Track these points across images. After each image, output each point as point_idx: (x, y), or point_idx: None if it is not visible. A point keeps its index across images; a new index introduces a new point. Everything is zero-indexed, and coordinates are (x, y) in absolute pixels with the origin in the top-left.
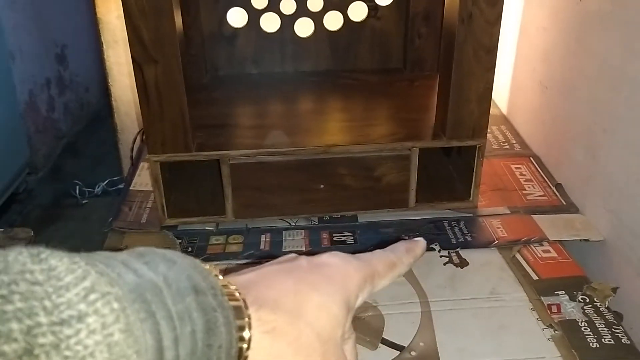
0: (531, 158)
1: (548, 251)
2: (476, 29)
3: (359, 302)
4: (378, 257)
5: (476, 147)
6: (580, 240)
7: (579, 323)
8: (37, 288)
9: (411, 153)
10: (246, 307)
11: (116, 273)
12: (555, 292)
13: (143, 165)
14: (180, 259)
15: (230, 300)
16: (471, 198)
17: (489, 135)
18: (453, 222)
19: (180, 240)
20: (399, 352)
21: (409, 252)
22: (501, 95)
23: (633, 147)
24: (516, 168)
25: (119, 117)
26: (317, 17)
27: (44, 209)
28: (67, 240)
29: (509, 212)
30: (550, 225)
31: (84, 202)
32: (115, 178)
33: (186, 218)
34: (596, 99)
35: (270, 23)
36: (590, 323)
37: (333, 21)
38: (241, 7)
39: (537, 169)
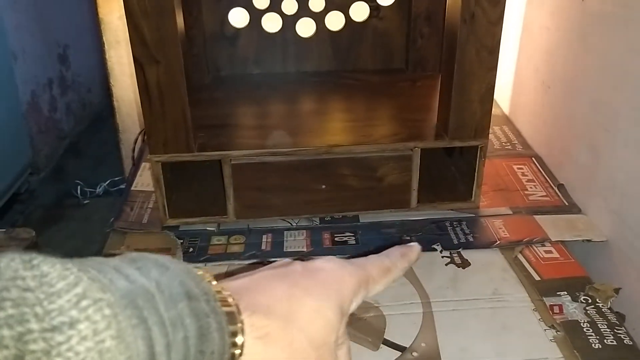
0: (533, 158)
1: (550, 252)
2: (478, 28)
3: (353, 307)
4: (372, 262)
5: (478, 148)
6: (583, 240)
7: (581, 324)
8: (28, 294)
9: (413, 153)
10: (239, 313)
11: (108, 279)
12: (558, 293)
13: (144, 166)
14: (173, 265)
15: (223, 305)
16: (473, 198)
17: (490, 136)
18: (455, 223)
19: (181, 241)
20: (400, 353)
21: (404, 257)
22: (503, 95)
23: (636, 147)
24: (518, 168)
25: (121, 117)
26: (319, 17)
27: (46, 209)
28: (68, 241)
29: (511, 213)
30: (553, 226)
31: (85, 202)
32: (116, 178)
33: (188, 218)
34: (599, 99)
35: (271, 23)
36: (593, 324)
37: (335, 21)
38: (243, 7)
39: (539, 169)
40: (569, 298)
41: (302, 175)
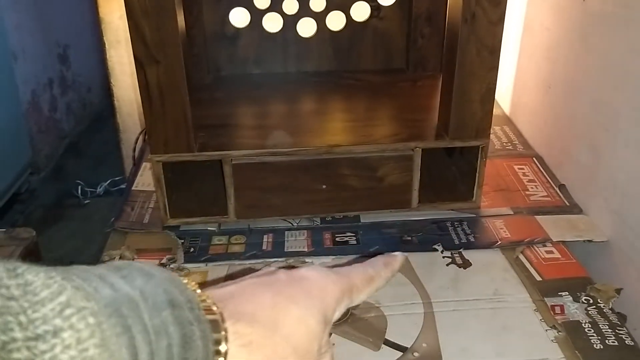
0: (534, 158)
1: (551, 252)
2: (479, 29)
3: (337, 315)
4: (356, 271)
5: (479, 148)
6: (584, 241)
7: (583, 324)
8: (12, 303)
9: (414, 153)
10: (223, 321)
11: (93, 287)
12: (559, 293)
13: (145, 165)
14: (157, 273)
15: (207, 313)
16: (474, 198)
17: (491, 136)
18: (456, 223)
19: (182, 241)
20: (401, 353)
21: (387, 266)
22: (504, 95)
23: (636, 147)
24: (519, 168)
25: (121, 117)
26: (320, 17)
27: (46, 209)
28: (69, 240)
29: (512, 213)
30: (554, 226)
31: (86, 202)
32: (117, 178)
33: (188, 218)
34: (599, 99)
35: (272, 23)
36: (594, 324)
37: (335, 21)
38: (244, 7)
39: (540, 170)
40: (570, 298)
41: (302, 175)
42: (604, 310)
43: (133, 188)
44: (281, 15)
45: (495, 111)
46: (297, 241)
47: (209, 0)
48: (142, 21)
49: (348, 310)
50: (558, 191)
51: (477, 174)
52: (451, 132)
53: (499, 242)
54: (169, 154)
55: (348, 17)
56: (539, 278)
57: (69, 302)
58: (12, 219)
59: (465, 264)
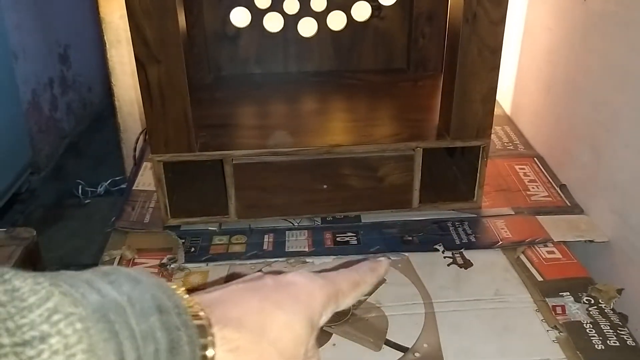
0: (535, 158)
1: (552, 252)
2: (481, 29)
3: (323, 320)
4: (342, 276)
5: (480, 148)
6: (585, 241)
7: (584, 324)
8: (0, 309)
9: (415, 153)
10: (210, 326)
11: (80, 293)
12: (560, 294)
13: (146, 165)
14: (145, 278)
15: (194, 319)
16: (475, 199)
17: (492, 136)
18: (457, 223)
19: (183, 241)
20: (402, 354)
21: (373, 271)
22: (505, 95)
23: (637, 148)
24: (520, 169)
25: (122, 116)
26: (321, 17)
27: (47, 209)
28: (69, 240)
29: (513, 213)
30: (555, 226)
31: (86, 201)
32: (117, 178)
33: (189, 218)
34: (600, 99)
35: (273, 23)
36: (595, 325)
37: (336, 21)
38: (244, 6)
39: (541, 170)
40: (572, 299)
41: (303, 175)
42: (605, 310)
43: (134, 188)
44: (282, 15)
45: (496, 111)
46: (297, 241)
47: (209, 0)
48: (143, 21)
49: (349, 310)
50: (559, 191)
51: (478, 174)
52: (452, 132)
53: (500, 242)
54: (170, 154)
55: (349, 17)
56: (540, 278)
57: (57, 308)
58: (12, 218)
59: (466, 264)
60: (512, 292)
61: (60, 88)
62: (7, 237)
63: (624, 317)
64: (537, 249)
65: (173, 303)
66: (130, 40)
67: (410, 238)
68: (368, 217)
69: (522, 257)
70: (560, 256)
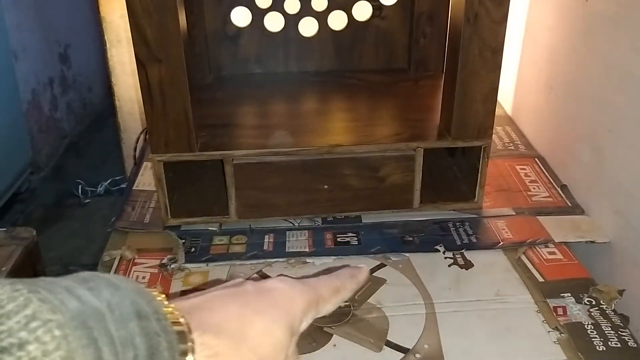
0: (536, 159)
1: (553, 253)
2: (482, 29)
3: (303, 326)
4: (323, 283)
5: (481, 148)
6: (586, 242)
7: (585, 326)
8: None
9: (416, 153)
10: (190, 332)
11: (59, 300)
12: (561, 294)
13: (146, 165)
14: (124, 284)
15: (174, 325)
16: (476, 199)
17: (493, 136)
18: (458, 223)
19: (183, 241)
20: (403, 354)
21: (353, 278)
22: (506, 95)
23: (639, 148)
24: (521, 169)
25: (122, 116)
26: (322, 17)
27: (47, 209)
28: (69, 240)
29: (513, 213)
30: (556, 227)
31: (86, 201)
32: (117, 177)
33: (189, 218)
34: (602, 100)
35: (274, 22)
36: (597, 326)
37: (337, 21)
38: (245, 6)
39: (542, 170)
40: (573, 300)
41: (304, 175)
42: (607, 311)
43: (134, 188)
44: (283, 15)
45: (497, 111)
46: (298, 241)
47: (210, 0)
48: (143, 20)
49: (349, 311)
50: (560, 192)
51: (479, 175)
52: (453, 132)
53: (501, 243)
54: (170, 154)
55: (350, 16)
56: (541, 279)
57: (35, 315)
58: (12, 218)
59: (467, 265)
60: (513, 292)
61: (61, 88)
62: (7, 236)
63: (625, 318)
64: (538, 249)
65: (152, 309)
66: (131, 40)
67: (411, 238)
68: (369, 218)
69: (523, 257)
70: (562, 257)
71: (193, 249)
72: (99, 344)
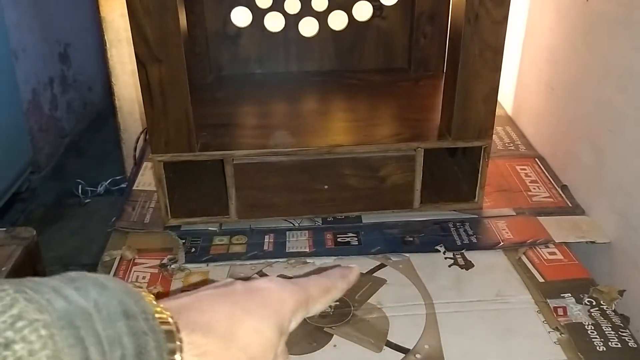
0: (536, 159)
1: (554, 253)
2: (483, 29)
3: (293, 326)
4: (313, 282)
5: (482, 148)
6: (587, 242)
7: (586, 326)
8: None
9: (416, 153)
10: (178, 331)
11: (46, 299)
12: (562, 295)
13: (146, 165)
14: (112, 284)
15: (162, 324)
16: (476, 199)
17: (494, 136)
18: (458, 224)
19: (183, 241)
20: (403, 355)
21: (344, 278)
22: (506, 96)
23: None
24: (521, 169)
25: (122, 116)
26: (322, 17)
27: (47, 208)
28: (69, 240)
29: (514, 214)
30: (556, 227)
31: (86, 201)
32: (117, 177)
33: (189, 218)
34: (602, 100)
35: (274, 22)
36: (597, 326)
37: (338, 21)
38: (245, 6)
39: (542, 170)
40: (573, 300)
41: (304, 176)
42: (607, 312)
43: (134, 188)
44: (283, 15)
45: (497, 112)
46: (298, 241)
47: (210, 0)
48: (143, 20)
49: (350, 311)
50: (560, 192)
51: (479, 175)
52: (454, 132)
53: (502, 243)
54: (170, 154)
55: (350, 16)
56: (541, 279)
57: (21, 315)
58: (12, 218)
59: (468, 265)
60: (513, 293)
61: (61, 87)
62: (7, 236)
63: (625, 319)
64: (539, 250)
65: (140, 308)
66: (131, 40)
67: (411, 239)
68: (369, 218)
69: (524, 258)
70: (562, 257)
71: (193, 249)
72: (85, 344)
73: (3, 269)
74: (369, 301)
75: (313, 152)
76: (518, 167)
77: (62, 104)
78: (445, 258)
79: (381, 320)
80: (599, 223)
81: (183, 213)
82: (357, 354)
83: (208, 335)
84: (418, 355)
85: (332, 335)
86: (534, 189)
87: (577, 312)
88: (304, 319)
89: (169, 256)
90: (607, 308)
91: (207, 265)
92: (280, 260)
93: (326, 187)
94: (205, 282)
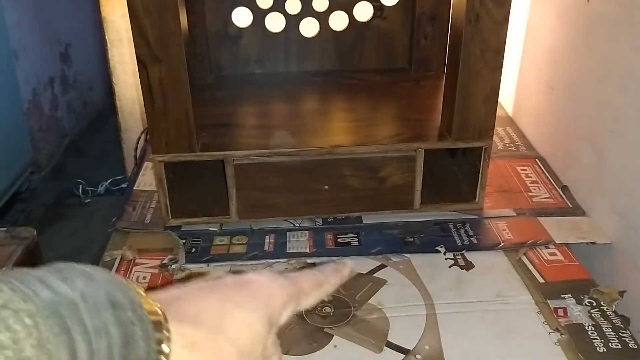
0: (537, 160)
1: (554, 254)
2: (483, 29)
3: (283, 319)
4: (305, 276)
5: (482, 149)
6: (587, 243)
7: (586, 327)
8: None
9: (416, 154)
10: (166, 321)
11: (31, 289)
12: (562, 296)
13: (147, 165)
14: (99, 275)
15: (150, 314)
16: (477, 200)
17: (494, 137)
18: (458, 224)
19: (184, 241)
20: (404, 356)
21: (336, 272)
22: (507, 96)
23: None
24: (522, 170)
25: (123, 116)
26: (322, 17)
27: (47, 208)
28: (69, 240)
29: (514, 214)
30: (557, 228)
31: (86, 201)
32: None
33: (190, 218)
34: (603, 100)
35: (275, 23)
36: (597, 327)
37: (338, 21)
38: (246, 6)
39: (542, 171)
40: (574, 301)
41: (304, 176)
42: (607, 313)
43: (134, 188)
44: (284, 15)
45: (498, 112)
46: (299, 242)
47: (211, 0)
48: (144, 20)
49: (350, 311)
50: (561, 193)
51: (480, 175)
52: (454, 133)
53: (502, 244)
54: (171, 154)
55: (351, 17)
56: (541, 280)
57: (6, 304)
58: (13, 218)
59: (468, 266)
60: (513, 294)
61: (61, 87)
62: (8, 236)
63: (625, 320)
64: (539, 250)
65: (128, 299)
66: (132, 40)
67: (411, 239)
68: (369, 218)
69: (524, 258)
70: (562, 258)
71: (194, 249)
72: (71, 333)
73: (3, 269)
74: (369, 302)
75: (313, 153)
76: (518, 168)
77: (63, 103)
78: (446, 259)
79: (381, 320)
80: (599, 224)
81: (183, 213)
82: (358, 354)
83: (197, 327)
84: (418, 356)
85: (333, 335)
86: (535, 189)
87: (578, 312)
88: (305, 320)
89: (169, 256)
90: (607, 309)
91: (208, 265)
92: (281, 260)
93: (326, 187)
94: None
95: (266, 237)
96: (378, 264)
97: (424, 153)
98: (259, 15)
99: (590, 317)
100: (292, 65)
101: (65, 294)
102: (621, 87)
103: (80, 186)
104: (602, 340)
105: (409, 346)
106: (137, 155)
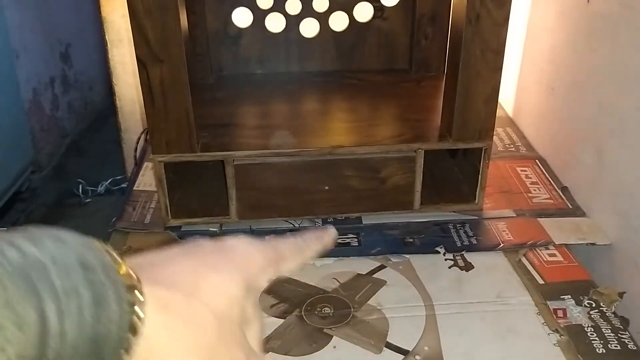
0: (537, 160)
1: (554, 255)
2: (484, 30)
3: (263, 283)
4: (285, 242)
5: (482, 149)
6: (587, 244)
7: (585, 328)
8: None
9: (417, 155)
10: (139, 283)
11: None
12: (561, 297)
13: (147, 165)
14: (71, 238)
15: (123, 277)
16: (477, 200)
17: (494, 137)
18: (458, 225)
19: (184, 241)
20: (403, 356)
21: (318, 239)
22: (507, 96)
23: None
24: (522, 170)
25: (123, 116)
26: (323, 18)
27: (48, 208)
28: None
29: (514, 215)
30: (557, 229)
31: (87, 201)
32: (118, 177)
33: (190, 219)
34: (603, 101)
35: (275, 23)
36: (597, 328)
37: (338, 22)
38: (246, 7)
39: (543, 172)
40: (573, 302)
41: (304, 176)
42: (607, 314)
43: (134, 188)
44: (284, 16)
45: (498, 113)
46: None
47: (212, 0)
48: (144, 21)
49: (349, 312)
50: (561, 194)
51: (480, 176)
52: (454, 133)
53: (502, 245)
54: (171, 154)
55: (351, 17)
56: (541, 281)
57: None
58: (13, 217)
59: (468, 267)
60: (513, 294)
61: (62, 87)
62: None
63: (625, 321)
64: (539, 251)
65: (100, 262)
66: (132, 40)
67: (411, 240)
68: (369, 219)
69: (524, 259)
70: (562, 259)
71: None
72: (40, 293)
73: None
74: (368, 302)
75: (314, 153)
76: (518, 169)
77: (63, 103)
78: (446, 259)
79: (381, 321)
80: (599, 225)
81: (183, 213)
82: (357, 355)
83: (171, 289)
84: (418, 357)
85: (332, 336)
86: (535, 190)
87: (577, 314)
88: (304, 320)
89: None
90: (607, 310)
91: None
92: None
93: (327, 188)
94: None
95: (266, 237)
96: (378, 264)
97: (424, 153)
98: (259, 15)
99: (590, 318)
100: (292, 65)
101: (35, 256)
102: (622, 87)
103: (81, 186)
104: (602, 342)
105: (409, 347)
106: (137, 155)
